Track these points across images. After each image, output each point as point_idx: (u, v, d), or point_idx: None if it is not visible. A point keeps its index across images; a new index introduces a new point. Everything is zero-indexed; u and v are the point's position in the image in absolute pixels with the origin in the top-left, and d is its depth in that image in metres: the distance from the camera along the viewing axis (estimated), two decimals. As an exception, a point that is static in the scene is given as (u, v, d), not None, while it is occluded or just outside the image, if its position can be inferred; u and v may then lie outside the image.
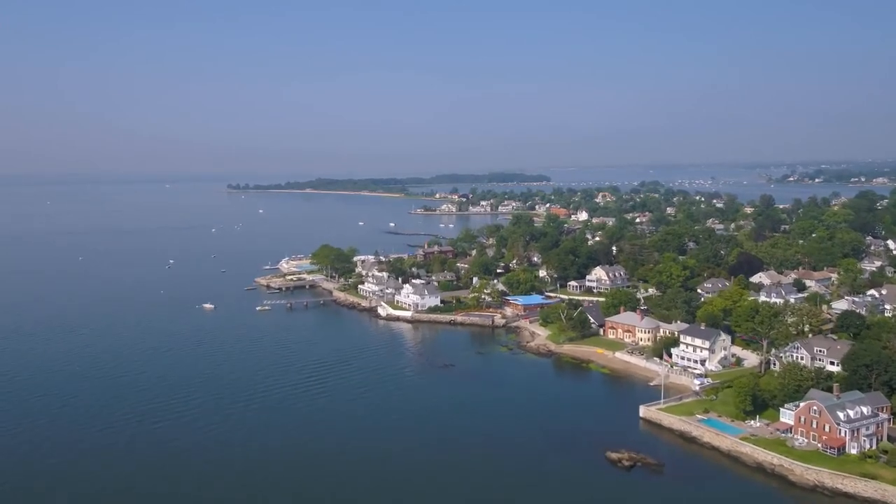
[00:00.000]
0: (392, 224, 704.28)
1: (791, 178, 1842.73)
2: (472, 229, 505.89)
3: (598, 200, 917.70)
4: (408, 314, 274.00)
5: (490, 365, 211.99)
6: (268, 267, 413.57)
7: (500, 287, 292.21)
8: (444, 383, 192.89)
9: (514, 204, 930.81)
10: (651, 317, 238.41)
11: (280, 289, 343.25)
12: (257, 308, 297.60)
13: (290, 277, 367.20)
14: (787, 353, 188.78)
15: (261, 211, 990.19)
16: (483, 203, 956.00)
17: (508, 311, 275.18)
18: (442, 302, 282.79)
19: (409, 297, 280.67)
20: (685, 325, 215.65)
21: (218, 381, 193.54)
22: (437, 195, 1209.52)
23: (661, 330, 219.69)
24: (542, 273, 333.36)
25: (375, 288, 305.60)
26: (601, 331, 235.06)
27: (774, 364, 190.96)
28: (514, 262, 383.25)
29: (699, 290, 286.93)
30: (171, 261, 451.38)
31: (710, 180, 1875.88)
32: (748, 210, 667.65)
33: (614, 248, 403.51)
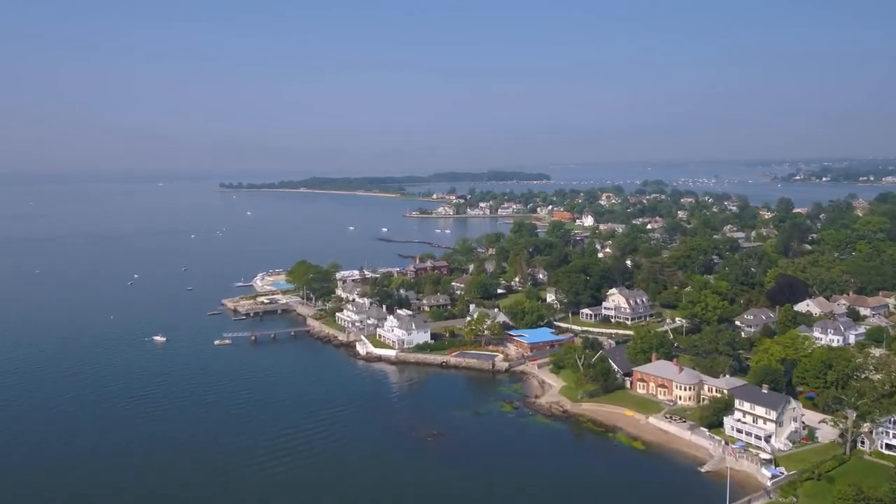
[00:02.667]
0: (384, 229, 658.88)
1: (797, 178, 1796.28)
2: (470, 239, 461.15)
3: (602, 202, 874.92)
4: (391, 353, 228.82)
5: (490, 434, 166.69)
6: (240, 284, 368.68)
7: (502, 317, 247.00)
8: (426, 471, 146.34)
9: (514, 206, 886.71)
10: (680, 353, 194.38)
11: (248, 314, 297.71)
12: (216, 342, 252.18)
13: (261, 300, 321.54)
14: (881, 429, 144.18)
15: (248, 213, 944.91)
16: (482, 205, 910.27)
17: (512, 348, 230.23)
18: (433, 337, 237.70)
19: (394, 331, 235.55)
20: (737, 381, 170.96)
21: (126, 488, 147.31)
22: (435, 195, 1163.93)
23: (706, 386, 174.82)
24: (550, 297, 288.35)
25: (355, 317, 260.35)
26: (627, 382, 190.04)
27: (863, 442, 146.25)
28: (517, 279, 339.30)
29: (738, 323, 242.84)
30: (136, 275, 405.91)
31: (714, 179, 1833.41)
32: (766, 215, 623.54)
33: (628, 261, 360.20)
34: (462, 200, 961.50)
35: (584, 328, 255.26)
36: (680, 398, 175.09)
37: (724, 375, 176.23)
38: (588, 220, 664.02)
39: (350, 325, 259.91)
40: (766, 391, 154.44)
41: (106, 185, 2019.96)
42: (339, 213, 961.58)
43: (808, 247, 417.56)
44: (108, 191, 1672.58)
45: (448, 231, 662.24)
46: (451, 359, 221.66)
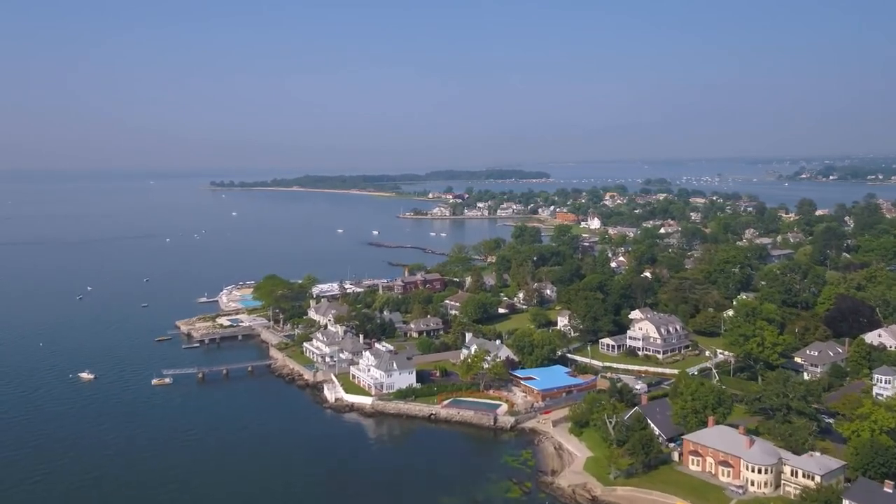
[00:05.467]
0: (375, 232, 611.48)
1: (803, 176, 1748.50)
2: (467, 246, 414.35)
3: (606, 202, 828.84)
4: (366, 401, 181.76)
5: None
6: (203, 299, 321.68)
7: (506, 352, 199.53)
8: None
9: (514, 206, 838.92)
10: (745, 419, 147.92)
11: (203, 341, 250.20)
12: (153, 381, 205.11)
13: (221, 321, 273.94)
14: None
15: (234, 214, 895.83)
16: (480, 205, 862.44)
17: (518, 394, 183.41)
18: (420, 377, 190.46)
19: (370, 371, 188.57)
20: (831, 462, 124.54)
21: None
22: (431, 195, 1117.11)
23: (788, 467, 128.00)
24: (561, 321, 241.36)
25: (326, 350, 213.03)
26: (675, 453, 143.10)
27: None
28: (521, 295, 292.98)
29: (798, 359, 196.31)
30: (90, 288, 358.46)
31: (718, 177, 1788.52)
32: (787, 217, 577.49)
33: (647, 273, 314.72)
34: (459, 200, 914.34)
35: (606, 363, 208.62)
36: (752, 483, 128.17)
37: (812, 451, 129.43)
38: (594, 223, 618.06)
39: (319, 359, 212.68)
40: (890, 490, 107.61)
41: (97, 183, 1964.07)
42: (330, 213, 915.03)
43: (847, 255, 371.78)
44: (97, 189, 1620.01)
45: (444, 234, 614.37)
46: (442, 410, 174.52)
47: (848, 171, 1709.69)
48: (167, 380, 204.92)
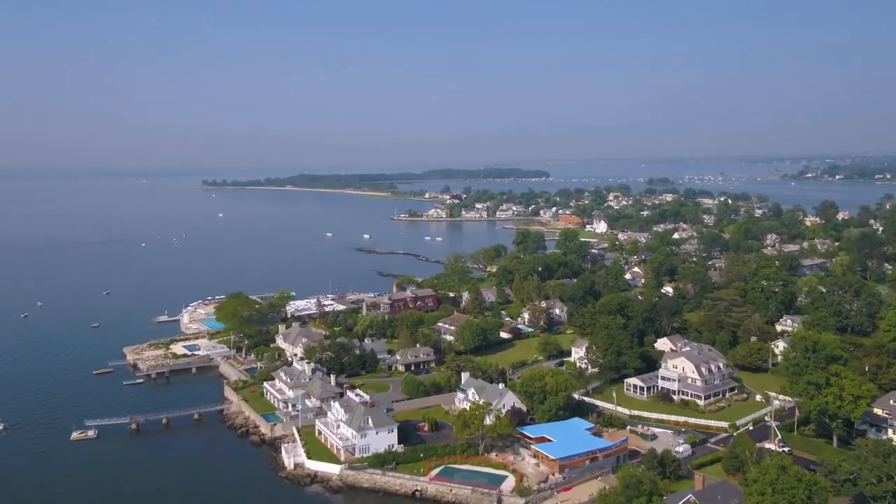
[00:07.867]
0: (366, 236, 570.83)
1: (809, 175, 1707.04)
2: (464, 255, 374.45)
3: (611, 203, 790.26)
4: (334, 470, 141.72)
5: None
6: (163, 318, 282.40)
7: (512, 400, 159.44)
8: None
9: (514, 207, 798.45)
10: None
11: (149, 375, 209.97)
12: (74, 434, 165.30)
13: (174, 350, 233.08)
14: None
15: (220, 215, 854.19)
16: (478, 206, 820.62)
17: (528, 460, 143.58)
18: (403, 434, 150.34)
19: (340, 429, 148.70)
20: None
21: None
22: (427, 195, 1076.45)
23: None
24: (576, 353, 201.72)
25: (289, 394, 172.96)
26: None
27: None
28: (526, 317, 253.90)
29: (879, 411, 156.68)
30: (40, 303, 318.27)
31: (721, 177, 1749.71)
32: (810, 221, 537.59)
33: (668, 288, 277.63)
34: (457, 201, 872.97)
35: (634, 411, 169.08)
36: None
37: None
38: (601, 226, 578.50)
39: (281, 405, 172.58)
40: None
41: (91, 181, 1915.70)
42: (321, 214, 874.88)
43: (889, 266, 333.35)
44: (88, 188, 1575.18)
45: (439, 239, 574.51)
46: (431, 484, 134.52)
47: (854, 171, 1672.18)
48: (91, 433, 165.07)
